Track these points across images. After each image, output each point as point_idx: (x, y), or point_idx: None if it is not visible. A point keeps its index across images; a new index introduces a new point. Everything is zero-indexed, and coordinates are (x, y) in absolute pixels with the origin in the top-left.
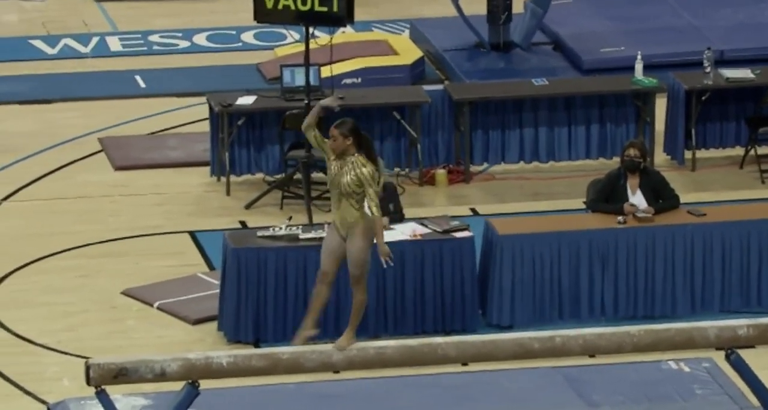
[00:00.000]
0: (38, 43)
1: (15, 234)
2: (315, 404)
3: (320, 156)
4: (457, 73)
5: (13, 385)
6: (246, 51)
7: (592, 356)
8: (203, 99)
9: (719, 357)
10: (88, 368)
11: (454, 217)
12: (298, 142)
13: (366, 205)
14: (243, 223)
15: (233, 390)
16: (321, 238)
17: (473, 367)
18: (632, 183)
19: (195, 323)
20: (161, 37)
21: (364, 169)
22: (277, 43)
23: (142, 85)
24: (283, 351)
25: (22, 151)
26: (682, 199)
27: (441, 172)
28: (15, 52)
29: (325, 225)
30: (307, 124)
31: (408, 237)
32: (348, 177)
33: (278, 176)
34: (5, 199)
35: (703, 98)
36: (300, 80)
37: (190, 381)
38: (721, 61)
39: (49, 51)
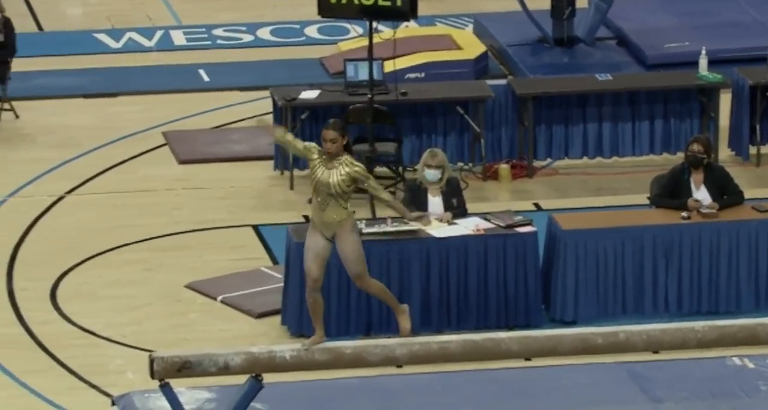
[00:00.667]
0: (102, 37)
1: (79, 228)
2: (378, 398)
3: (384, 150)
4: (520, 68)
5: (77, 378)
6: (310, 45)
7: (655, 352)
8: (267, 93)
9: None
10: (152, 361)
11: (517, 212)
12: (361, 136)
13: (375, 195)
14: (306, 217)
15: (296, 384)
16: (383, 232)
17: (536, 362)
18: (696, 178)
19: (258, 317)
20: (225, 31)
21: (356, 168)
22: (341, 38)
23: (206, 78)
24: (347, 345)
25: (86, 145)
26: (747, 195)
27: (504, 167)
28: (79, 45)
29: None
30: (289, 144)
31: (471, 232)
32: (337, 177)
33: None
34: (69, 192)
35: None
36: (363, 74)
37: (253, 374)
38: None
39: (114, 45)
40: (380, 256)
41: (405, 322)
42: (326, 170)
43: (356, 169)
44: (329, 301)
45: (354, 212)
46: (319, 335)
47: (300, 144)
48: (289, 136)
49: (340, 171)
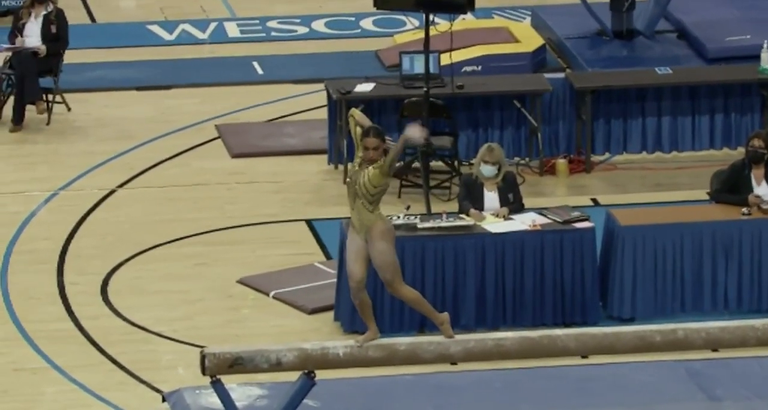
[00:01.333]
0: (156, 29)
1: (131, 221)
2: (432, 395)
3: (440, 144)
4: (578, 61)
5: (128, 374)
6: (365, 37)
7: (714, 350)
8: (321, 86)
9: None
10: (203, 357)
11: (574, 208)
12: None
13: (376, 205)
14: None
15: (349, 380)
16: (439, 227)
17: (593, 360)
18: (757, 174)
19: (311, 313)
20: (279, 23)
21: (379, 162)
22: (397, 30)
23: (260, 71)
24: (401, 342)
25: (140, 138)
26: None
27: (562, 162)
28: (133, 37)
29: (348, 229)
30: (360, 127)
31: (527, 228)
32: (365, 178)
33: (397, 164)
34: (121, 186)
35: None
36: (419, 67)
37: (305, 371)
38: None
39: (167, 37)
40: (435, 252)
41: (447, 331)
42: (359, 169)
43: (379, 163)
44: (382, 298)
45: (388, 217)
46: (372, 331)
47: (360, 132)
48: (359, 116)
49: (369, 172)
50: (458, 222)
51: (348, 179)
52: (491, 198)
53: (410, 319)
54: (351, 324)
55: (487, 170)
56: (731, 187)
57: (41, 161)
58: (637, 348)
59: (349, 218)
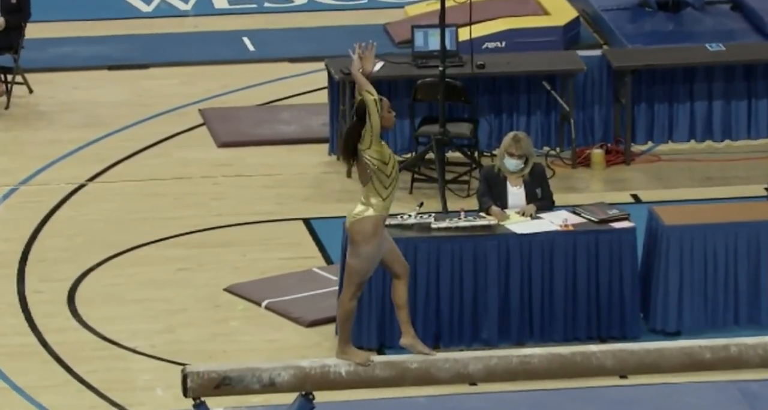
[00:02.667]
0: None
1: (103, 219)
2: None
3: (458, 132)
4: (617, 37)
5: (99, 395)
6: (372, 9)
7: None
8: (322, 65)
9: None
10: (185, 376)
11: (612, 205)
12: (431, 115)
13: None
14: None
15: (353, 403)
16: (456, 227)
17: (634, 380)
18: None
19: (310, 325)
20: None
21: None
22: (408, 0)
23: (251, 48)
24: (412, 359)
25: (113, 124)
26: None
27: (597, 152)
28: (105, 9)
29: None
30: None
31: (558, 228)
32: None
33: (408, 155)
34: (92, 179)
35: None
36: (434, 44)
37: (303, 392)
38: None
39: (144, 8)
40: (452, 255)
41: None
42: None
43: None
44: (392, 309)
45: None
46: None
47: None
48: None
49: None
50: (478, 222)
51: (393, 165)
52: (516, 194)
53: (424, 332)
54: (356, 338)
55: (512, 164)
56: None
57: None
58: (684, 367)
59: None
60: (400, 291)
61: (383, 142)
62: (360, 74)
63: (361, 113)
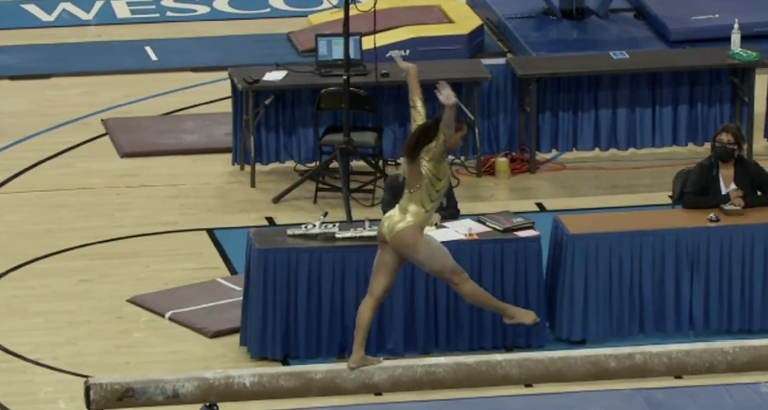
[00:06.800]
0: (32, 8)
1: (5, 230)
2: None
3: (362, 141)
4: (522, 45)
5: (1, 409)
6: (275, 18)
7: (678, 377)
8: (225, 74)
9: None
10: (88, 388)
11: (517, 213)
12: (335, 124)
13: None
14: (270, 220)
15: None
16: (360, 237)
17: (539, 389)
18: (725, 174)
19: (213, 336)
20: (176, 1)
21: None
22: (312, 9)
23: (154, 57)
24: (317, 369)
25: (14, 135)
26: None
27: (502, 161)
28: (5, 19)
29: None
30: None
31: (463, 237)
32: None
33: (312, 165)
34: None
35: None
36: (338, 52)
37: (207, 404)
38: None
39: (46, 17)
40: (356, 265)
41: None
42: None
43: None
44: (297, 320)
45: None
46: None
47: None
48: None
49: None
50: None
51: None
52: None
53: (328, 343)
54: (260, 349)
55: None
56: (700, 190)
57: None
58: (589, 375)
59: (259, 227)
60: (368, 313)
61: (445, 159)
62: (450, 109)
63: (435, 125)
